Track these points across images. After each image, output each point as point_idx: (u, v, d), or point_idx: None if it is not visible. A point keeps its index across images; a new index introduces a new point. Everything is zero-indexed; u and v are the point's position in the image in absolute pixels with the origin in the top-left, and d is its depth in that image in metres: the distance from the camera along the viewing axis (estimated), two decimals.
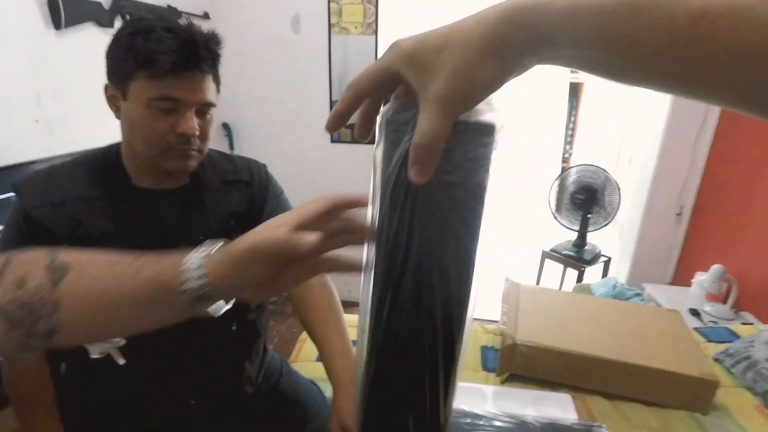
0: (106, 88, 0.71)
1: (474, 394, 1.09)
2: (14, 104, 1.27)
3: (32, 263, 0.39)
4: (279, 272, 0.37)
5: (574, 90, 4.39)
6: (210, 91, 0.71)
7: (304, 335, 1.31)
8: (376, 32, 2.22)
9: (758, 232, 1.90)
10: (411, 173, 0.28)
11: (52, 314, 0.37)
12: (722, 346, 1.36)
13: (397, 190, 0.30)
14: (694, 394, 1.08)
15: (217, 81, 0.73)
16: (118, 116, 0.72)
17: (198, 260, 0.37)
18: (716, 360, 1.31)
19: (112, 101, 0.71)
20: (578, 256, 2.38)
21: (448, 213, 0.31)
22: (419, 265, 0.31)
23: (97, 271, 0.39)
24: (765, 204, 1.88)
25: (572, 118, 4.52)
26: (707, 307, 1.87)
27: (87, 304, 0.38)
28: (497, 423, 0.96)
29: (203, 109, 0.71)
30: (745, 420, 1.08)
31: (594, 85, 4.31)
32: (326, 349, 0.78)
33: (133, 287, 0.37)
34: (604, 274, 2.45)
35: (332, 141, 2.45)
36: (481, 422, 0.96)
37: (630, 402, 1.10)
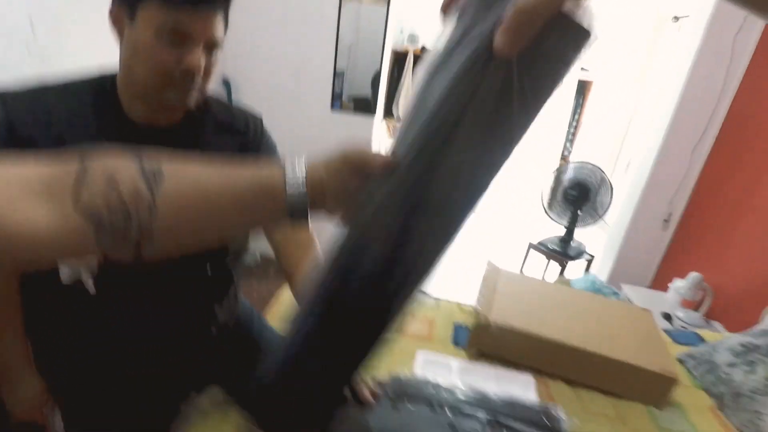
0: (112, 8, 0.67)
1: (440, 365, 1.11)
2: (6, 30, 1.23)
3: (119, 164, 0.35)
4: (358, 188, 0.38)
5: (582, 88, 4.35)
6: (219, 30, 0.69)
7: (281, 292, 1.32)
8: (388, 3, 2.17)
9: (741, 247, 1.93)
10: (499, 39, 0.26)
11: (149, 218, 0.34)
12: (687, 349, 1.39)
13: (474, 58, 0.28)
14: (652, 388, 1.11)
15: (226, 21, 0.72)
16: (119, 39, 0.68)
17: (299, 162, 0.37)
18: (680, 360, 1.34)
19: (117, 22, 0.67)
20: (563, 251, 2.41)
21: (510, 103, 0.29)
22: (461, 142, 0.31)
23: (195, 173, 0.37)
24: (752, 220, 1.90)
25: (577, 116, 4.49)
26: (680, 313, 1.91)
27: (187, 208, 0.36)
28: (459, 395, 0.99)
29: (210, 47, 0.69)
30: (698, 419, 1.11)
31: (603, 84, 4.28)
32: (297, 278, 0.79)
33: (235, 188, 0.36)
34: (586, 271, 2.49)
35: (332, 110, 2.42)
36: (444, 394, 0.98)
37: (591, 390, 1.13)
